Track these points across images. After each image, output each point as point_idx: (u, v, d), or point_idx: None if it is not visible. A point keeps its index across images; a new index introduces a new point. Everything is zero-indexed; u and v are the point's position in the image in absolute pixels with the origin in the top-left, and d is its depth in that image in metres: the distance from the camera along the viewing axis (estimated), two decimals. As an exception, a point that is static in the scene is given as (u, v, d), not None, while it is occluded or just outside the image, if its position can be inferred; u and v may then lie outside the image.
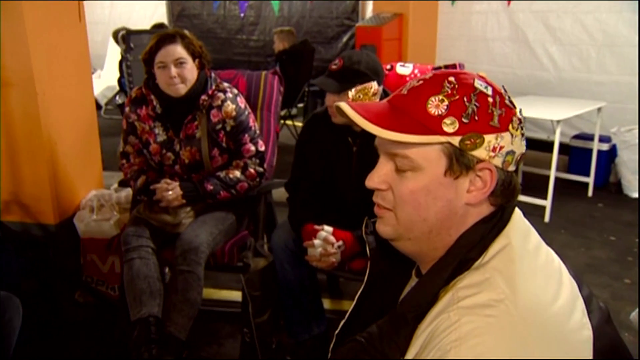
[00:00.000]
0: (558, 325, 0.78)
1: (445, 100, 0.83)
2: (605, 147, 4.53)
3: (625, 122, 4.54)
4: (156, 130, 2.29)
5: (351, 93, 0.94)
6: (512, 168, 0.87)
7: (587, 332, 0.81)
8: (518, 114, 0.87)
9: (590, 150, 4.44)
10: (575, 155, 4.67)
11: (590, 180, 4.45)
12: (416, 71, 2.39)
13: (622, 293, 2.94)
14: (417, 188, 0.84)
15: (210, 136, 2.27)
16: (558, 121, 3.81)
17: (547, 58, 5.21)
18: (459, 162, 0.83)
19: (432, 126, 0.82)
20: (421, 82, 0.87)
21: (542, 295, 0.79)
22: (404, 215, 0.87)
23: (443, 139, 0.82)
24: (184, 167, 2.30)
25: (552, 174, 3.89)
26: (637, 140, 4.35)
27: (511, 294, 0.76)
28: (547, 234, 3.69)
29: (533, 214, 3.92)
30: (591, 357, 0.80)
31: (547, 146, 4.54)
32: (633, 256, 3.40)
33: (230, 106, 2.27)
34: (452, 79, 0.84)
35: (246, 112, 2.32)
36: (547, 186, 3.91)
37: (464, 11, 5.74)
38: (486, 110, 0.83)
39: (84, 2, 2.95)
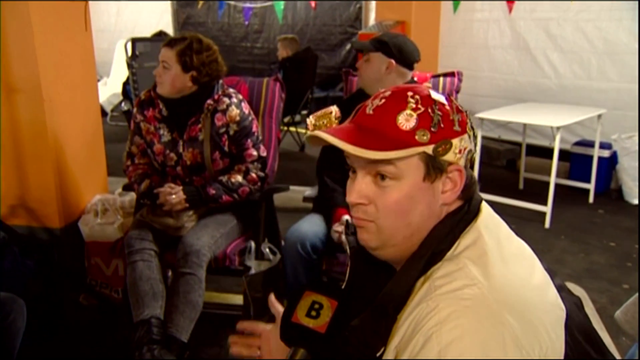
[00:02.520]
0: (531, 305, 0.83)
1: (413, 114, 0.89)
2: (606, 153, 4.55)
3: (626, 129, 4.56)
4: (161, 132, 2.35)
5: (311, 120, 0.98)
6: (468, 166, 0.94)
7: (561, 312, 0.87)
8: (467, 115, 0.94)
9: (591, 157, 4.46)
10: (576, 161, 4.69)
11: (591, 186, 4.47)
12: (415, 79, 2.43)
13: (621, 298, 2.96)
14: (401, 197, 0.89)
15: (213, 139, 2.31)
16: (558, 128, 3.84)
17: (548, 65, 5.24)
18: (434, 167, 0.89)
19: (407, 140, 0.88)
20: (384, 100, 0.92)
21: (515, 279, 0.85)
22: (387, 223, 0.91)
23: (420, 149, 0.88)
24: (185, 169, 2.35)
25: (553, 180, 3.92)
26: (637, 147, 4.37)
27: (484, 280, 0.82)
28: (547, 239, 3.72)
29: (533, 219, 3.94)
30: (562, 335, 0.84)
31: (548, 152, 4.57)
32: (632, 262, 3.42)
33: (234, 111, 2.31)
34: (411, 93, 0.90)
35: (250, 118, 2.37)
36: (548, 192, 3.93)
37: (466, 19, 5.78)
38: (448, 117, 0.90)
39: (91, 11, 3.01)
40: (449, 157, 0.89)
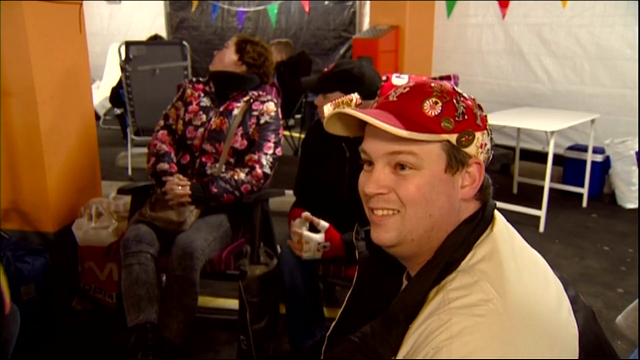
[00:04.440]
0: (545, 322, 0.81)
1: (439, 102, 0.89)
2: (599, 158, 4.57)
3: (619, 133, 4.60)
4: (202, 98, 2.55)
5: (329, 108, 0.97)
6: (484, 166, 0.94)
7: (573, 330, 0.85)
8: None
9: (584, 162, 4.48)
10: (569, 166, 4.71)
11: (584, 191, 4.49)
12: (412, 82, 2.43)
13: (615, 302, 2.97)
14: (422, 183, 0.88)
15: (244, 116, 2.46)
16: (552, 132, 3.86)
17: (542, 70, 5.27)
18: (456, 158, 0.89)
19: (432, 126, 0.88)
20: (408, 89, 0.92)
21: (529, 295, 0.83)
22: (411, 212, 0.89)
23: (444, 136, 0.88)
24: (206, 132, 2.44)
25: (547, 184, 3.93)
26: (630, 152, 4.39)
27: (499, 295, 0.80)
28: (542, 243, 3.73)
29: (528, 224, 3.95)
30: (577, 354, 0.83)
31: (541, 157, 4.59)
32: (626, 266, 3.43)
33: (272, 106, 2.50)
34: (435, 84, 0.91)
35: (280, 122, 2.53)
36: (542, 197, 3.94)
37: (460, 24, 5.80)
38: (471, 110, 0.90)
39: (84, 13, 2.99)
40: (471, 150, 0.89)
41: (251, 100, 2.49)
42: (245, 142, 2.44)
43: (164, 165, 2.43)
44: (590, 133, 4.42)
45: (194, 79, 2.66)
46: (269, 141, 2.44)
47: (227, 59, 2.54)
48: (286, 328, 2.27)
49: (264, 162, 2.40)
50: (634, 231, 3.95)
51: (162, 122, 2.58)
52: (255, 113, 2.46)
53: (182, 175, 2.38)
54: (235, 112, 2.47)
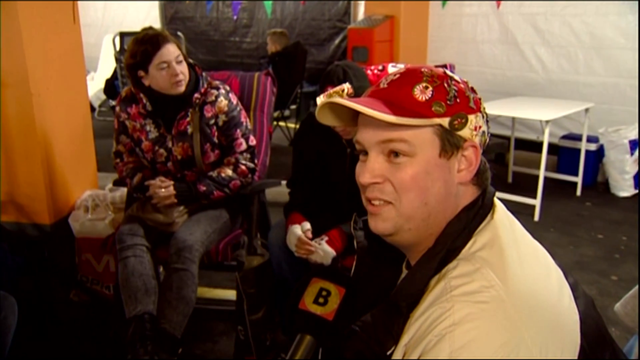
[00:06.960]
0: (547, 308, 0.81)
1: (429, 86, 0.88)
2: (593, 147, 4.59)
3: (613, 122, 4.61)
4: (147, 128, 2.32)
5: (321, 98, 0.97)
6: (481, 150, 0.92)
7: (575, 316, 0.85)
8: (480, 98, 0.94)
9: (578, 151, 4.50)
10: (563, 155, 4.73)
11: (578, 179, 4.52)
12: (402, 69, 2.43)
13: (610, 289, 3.00)
14: (417, 172, 0.87)
15: (203, 131, 2.29)
16: (547, 121, 3.87)
17: (536, 60, 5.28)
18: (450, 142, 0.88)
19: (422, 111, 0.87)
20: (398, 75, 0.92)
21: (532, 281, 0.83)
22: (406, 202, 0.88)
23: (436, 120, 0.87)
24: (176, 164, 2.33)
25: (542, 173, 3.95)
26: (624, 141, 4.41)
27: (501, 282, 0.80)
28: (537, 232, 3.71)
29: (523, 213, 3.97)
30: (579, 340, 0.83)
31: (536, 146, 4.61)
32: (620, 254, 3.46)
33: (223, 102, 2.30)
34: (426, 70, 0.90)
35: (238, 108, 2.36)
36: (537, 186, 3.97)
37: (454, 13, 5.79)
38: (464, 93, 0.89)
39: (78, 4, 2.98)
40: (465, 133, 0.88)
41: (197, 107, 2.28)
42: (217, 152, 2.34)
43: (138, 176, 2.34)
44: (584, 122, 4.44)
45: (122, 98, 2.36)
46: (237, 139, 2.32)
47: (187, 72, 2.26)
48: (280, 318, 2.29)
49: (242, 160, 2.34)
50: (627, 219, 3.98)
51: (117, 160, 2.42)
52: (211, 121, 2.29)
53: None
54: (190, 130, 2.28)
